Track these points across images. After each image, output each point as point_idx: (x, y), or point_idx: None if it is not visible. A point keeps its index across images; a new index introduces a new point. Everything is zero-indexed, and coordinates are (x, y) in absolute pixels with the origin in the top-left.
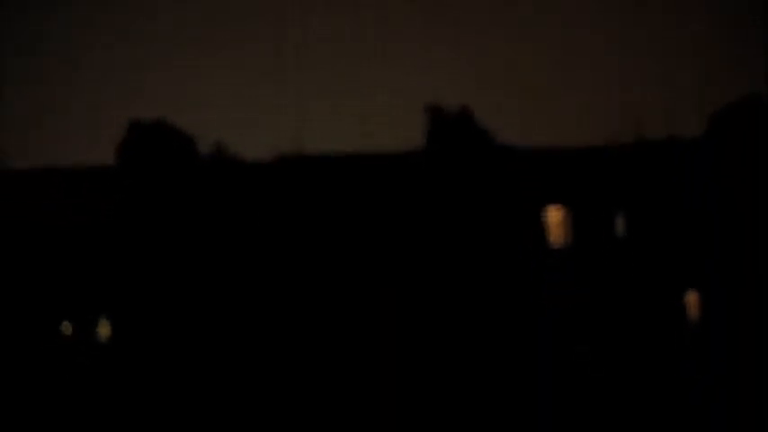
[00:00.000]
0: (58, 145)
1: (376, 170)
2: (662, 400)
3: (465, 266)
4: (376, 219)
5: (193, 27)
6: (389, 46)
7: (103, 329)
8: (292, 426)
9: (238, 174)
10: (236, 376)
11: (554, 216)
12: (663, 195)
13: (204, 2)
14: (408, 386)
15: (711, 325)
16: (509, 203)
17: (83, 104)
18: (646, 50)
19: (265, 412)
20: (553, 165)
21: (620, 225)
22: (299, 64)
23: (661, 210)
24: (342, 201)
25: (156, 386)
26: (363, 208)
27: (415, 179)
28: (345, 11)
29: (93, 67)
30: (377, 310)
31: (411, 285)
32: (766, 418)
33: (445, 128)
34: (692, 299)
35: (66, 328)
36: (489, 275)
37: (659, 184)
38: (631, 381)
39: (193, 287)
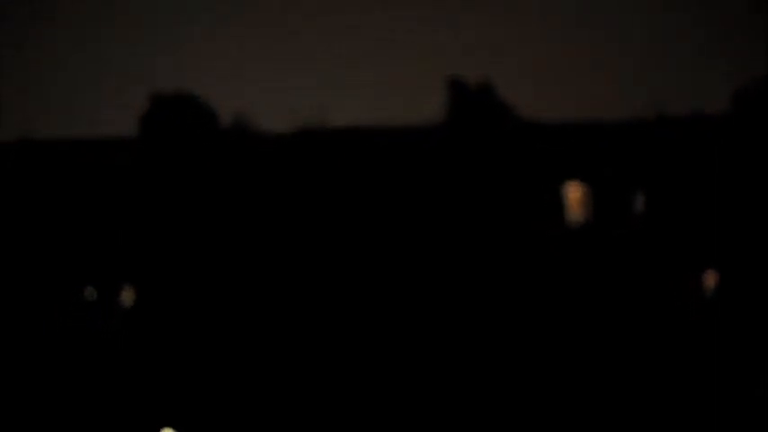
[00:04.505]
0: (82, 116)
1: (396, 143)
2: (678, 377)
3: (485, 241)
4: (396, 192)
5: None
6: (411, 19)
7: (127, 296)
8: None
9: (260, 146)
10: (260, 343)
11: (574, 192)
12: (685, 172)
13: None
14: (426, 359)
15: (730, 303)
16: (529, 179)
17: (106, 76)
18: (671, 24)
19: (289, 376)
20: (574, 140)
21: (640, 202)
22: (321, 38)
23: (683, 187)
24: (362, 173)
25: (179, 353)
26: (383, 180)
27: (436, 153)
28: None
29: (117, 38)
30: (396, 283)
31: (431, 258)
32: None
33: (466, 102)
34: (710, 277)
35: (91, 294)
36: (509, 251)
37: (682, 160)
38: (648, 359)
39: (215, 256)
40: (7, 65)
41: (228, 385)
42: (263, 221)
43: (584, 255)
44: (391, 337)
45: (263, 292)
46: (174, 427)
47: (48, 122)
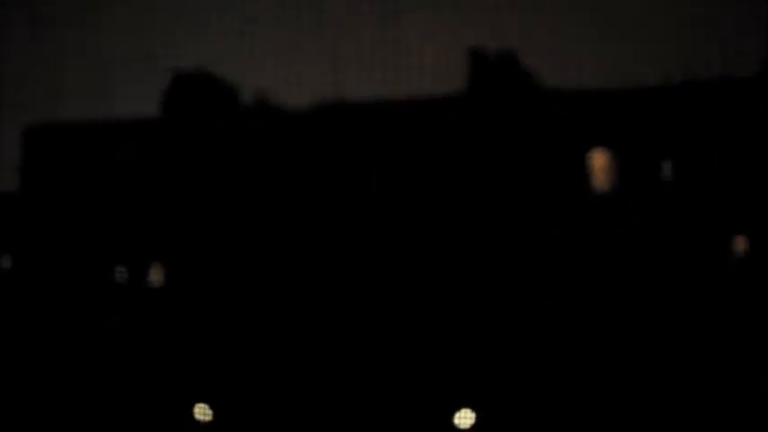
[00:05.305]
0: (105, 97)
1: (417, 115)
2: (705, 343)
3: (509, 209)
4: (417, 163)
5: None
6: None
7: (156, 275)
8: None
9: (281, 122)
10: (288, 318)
11: (599, 160)
12: (713, 137)
13: None
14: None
15: (760, 269)
16: (553, 147)
17: (128, 57)
18: None
19: (321, 351)
20: (599, 107)
21: (668, 168)
22: (338, 10)
23: (711, 152)
24: (383, 146)
25: (210, 332)
26: (404, 153)
27: (457, 123)
28: None
29: (137, 18)
30: (417, 255)
31: (454, 229)
32: None
33: (488, 71)
34: (740, 243)
35: (121, 273)
36: (533, 219)
37: (710, 125)
38: (677, 327)
39: (239, 232)
40: (31, 49)
41: (261, 361)
42: (287, 196)
43: (610, 222)
44: (415, 306)
45: (291, 265)
46: (207, 403)
47: (72, 105)
